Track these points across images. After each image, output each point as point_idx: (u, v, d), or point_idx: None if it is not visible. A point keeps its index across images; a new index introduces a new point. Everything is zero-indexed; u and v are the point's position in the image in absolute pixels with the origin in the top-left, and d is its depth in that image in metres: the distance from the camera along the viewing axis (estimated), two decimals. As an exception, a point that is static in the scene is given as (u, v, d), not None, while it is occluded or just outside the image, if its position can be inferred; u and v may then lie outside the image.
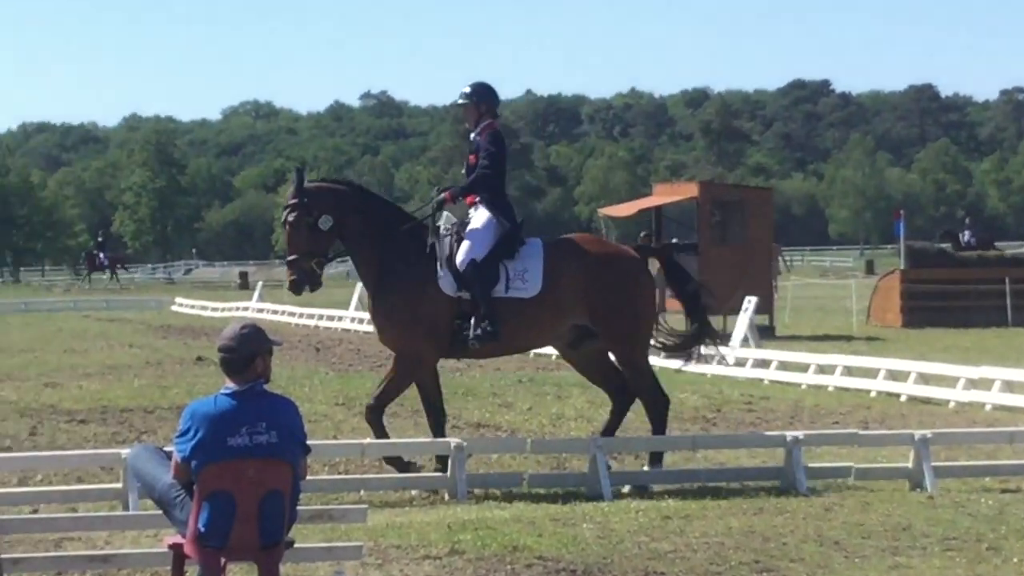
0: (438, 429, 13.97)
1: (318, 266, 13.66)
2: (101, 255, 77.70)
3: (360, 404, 19.64)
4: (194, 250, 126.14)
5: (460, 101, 14.05)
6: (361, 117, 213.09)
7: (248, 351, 8.09)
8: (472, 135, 14.05)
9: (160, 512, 8.62)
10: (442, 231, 13.67)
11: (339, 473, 14.05)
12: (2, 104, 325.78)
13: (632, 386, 14.19)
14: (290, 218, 13.56)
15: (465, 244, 13.51)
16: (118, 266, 77.31)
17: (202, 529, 7.98)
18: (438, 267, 13.51)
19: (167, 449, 8.60)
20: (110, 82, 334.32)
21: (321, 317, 39.50)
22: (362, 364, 26.39)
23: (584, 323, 13.84)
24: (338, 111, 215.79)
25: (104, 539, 10.92)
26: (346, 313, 39.20)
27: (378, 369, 25.69)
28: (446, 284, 13.48)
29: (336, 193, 13.77)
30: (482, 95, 13.89)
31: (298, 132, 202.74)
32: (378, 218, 13.70)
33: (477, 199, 13.77)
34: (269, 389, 8.24)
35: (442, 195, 13.91)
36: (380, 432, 13.78)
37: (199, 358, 27.12)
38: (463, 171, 14.27)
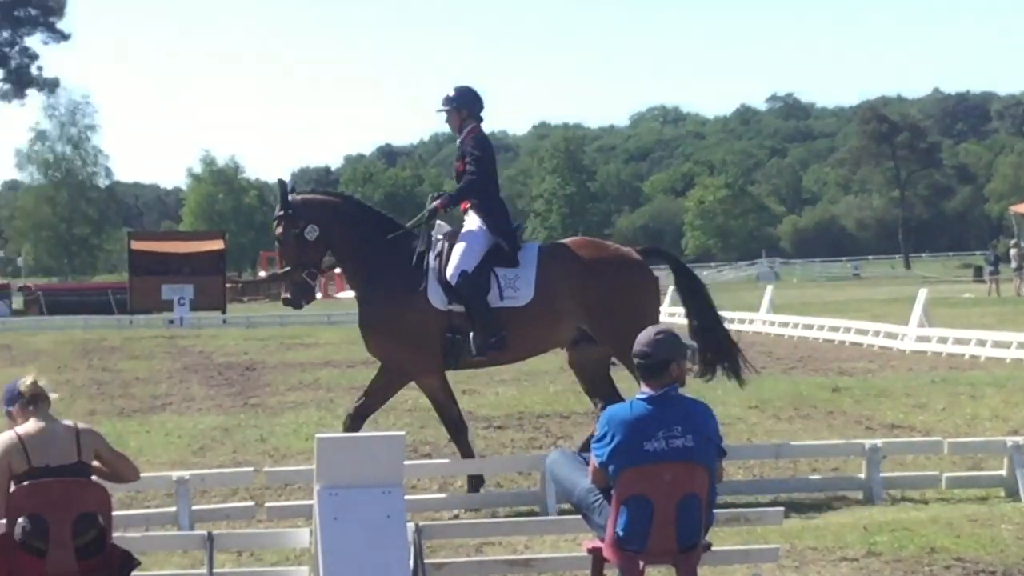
0: (464, 446, 13.71)
1: (310, 277, 13.47)
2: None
3: (773, 406, 19.66)
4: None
5: (441, 108, 13.57)
6: (768, 119, 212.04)
7: (664, 356, 8.21)
8: (458, 141, 13.63)
9: (579, 516, 8.81)
10: (433, 240, 13.31)
11: (754, 476, 14.07)
12: (413, 116, 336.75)
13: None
14: (278, 231, 13.48)
15: (456, 254, 13.13)
16: None
17: (620, 533, 8.13)
18: (427, 279, 13.17)
19: (584, 454, 8.79)
20: (519, 91, 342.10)
21: (732, 320, 39.37)
22: (774, 366, 26.24)
23: (583, 327, 13.37)
24: (745, 114, 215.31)
25: (524, 544, 11.12)
26: (756, 316, 39.16)
27: (790, 371, 25.58)
28: (435, 297, 13.12)
29: (322, 204, 13.53)
30: (462, 100, 13.48)
31: (705, 136, 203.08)
32: (366, 228, 13.41)
33: (469, 205, 13.40)
34: (683, 393, 8.35)
35: (434, 203, 13.43)
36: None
37: (612, 363, 27.40)
38: (454, 179, 13.81)
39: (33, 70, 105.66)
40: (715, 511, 8.58)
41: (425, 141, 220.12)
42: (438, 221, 13.44)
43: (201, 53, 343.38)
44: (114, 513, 8.55)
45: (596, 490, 8.38)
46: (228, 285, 72.02)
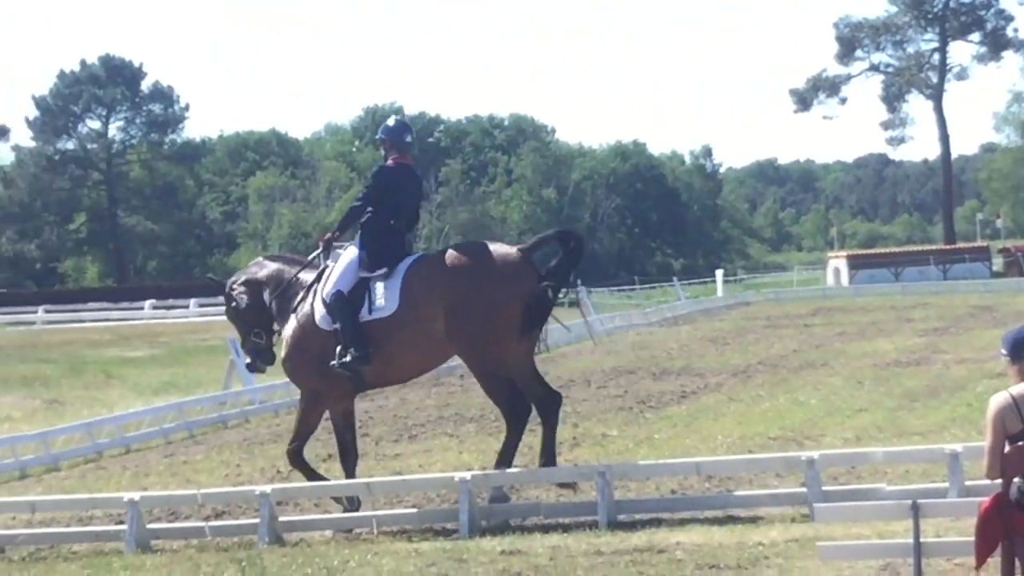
0: (349, 472, 14.19)
1: (259, 338, 14.66)
2: None
3: None
4: None
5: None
6: None
7: None
8: None
9: None
10: (324, 269, 14.22)
11: None
12: None
13: (487, 392, 13.79)
14: (226, 313, 15.17)
15: (333, 275, 13.97)
16: None
17: None
18: (318, 304, 14.02)
19: None
20: None
21: None
22: None
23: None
24: None
25: None
26: None
27: None
28: (322, 319, 13.92)
29: (243, 274, 14.96)
30: (387, 132, 14.35)
31: None
32: (279, 275, 14.56)
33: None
34: None
35: (327, 235, 14.45)
36: (309, 473, 14.26)
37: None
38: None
39: (1009, 32, 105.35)
40: None
41: None
42: (334, 251, 14.34)
43: None
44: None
45: None
46: None
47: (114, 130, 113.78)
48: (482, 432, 19.43)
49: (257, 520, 12.95)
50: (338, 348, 13.66)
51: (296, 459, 14.27)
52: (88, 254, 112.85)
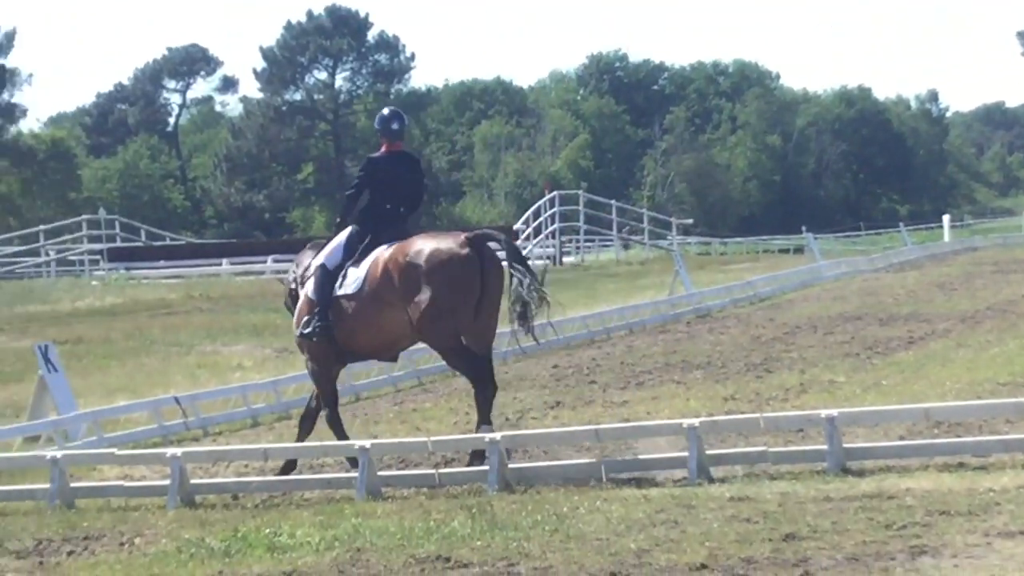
0: (304, 433, 15.15)
1: None
2: None
3: None
4: None
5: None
6: None
7: None
8: None
9: None
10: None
11: None
12: None
13: (452, 366, 15.14)
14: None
15: (325, 251, 15.00)
16: None
17: None
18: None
19: None
20: None
21: None
22: None
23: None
24: None
25: None
26: None
27: None
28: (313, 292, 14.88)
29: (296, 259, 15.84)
30: (378, 122, 15.24)
31: None
32: (307, 260, 15.34)
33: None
34: None
35: (338, 220, 15.50)
36: (341, 436, 14.85)
37: None
38: None
39: None
40: None
41: None
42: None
43: None
44: None
45: None
46: None
47: (340, 80, 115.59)
48: (709, 379, 19.43)
49: (486, 467, 13.11)
50: (304, 318, 14.85)
51: (333, 426, 15.00)
52: (315, 204, 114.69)
